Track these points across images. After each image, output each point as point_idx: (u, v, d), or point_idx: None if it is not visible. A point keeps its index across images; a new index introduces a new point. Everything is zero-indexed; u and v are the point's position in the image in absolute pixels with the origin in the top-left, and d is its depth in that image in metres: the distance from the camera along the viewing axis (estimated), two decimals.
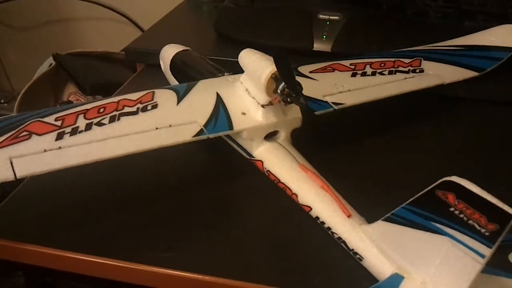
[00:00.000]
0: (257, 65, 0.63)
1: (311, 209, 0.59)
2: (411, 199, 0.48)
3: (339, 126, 0.75)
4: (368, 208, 0.56)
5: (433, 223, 0.47)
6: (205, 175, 0.70)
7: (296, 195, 0.60)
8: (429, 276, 0.48)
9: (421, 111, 0.82)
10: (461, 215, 0.44)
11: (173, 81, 0.79)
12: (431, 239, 0.47)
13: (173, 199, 0.65)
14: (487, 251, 0.43)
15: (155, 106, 0.63)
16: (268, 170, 0.64)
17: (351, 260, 0.55)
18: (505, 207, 0.41)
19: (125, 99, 0.64)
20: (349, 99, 0.71)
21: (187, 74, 0.76)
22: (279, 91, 0.61)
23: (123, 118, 0.61)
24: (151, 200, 0.64)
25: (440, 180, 0.45)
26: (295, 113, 0.65)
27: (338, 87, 0.72)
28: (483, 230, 0.43)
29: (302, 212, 0.60)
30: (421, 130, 0.78)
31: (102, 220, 0.61)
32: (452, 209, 0.45)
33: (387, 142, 0.75)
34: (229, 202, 0.65)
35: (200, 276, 0.55)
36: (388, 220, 0.51)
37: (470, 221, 0.44)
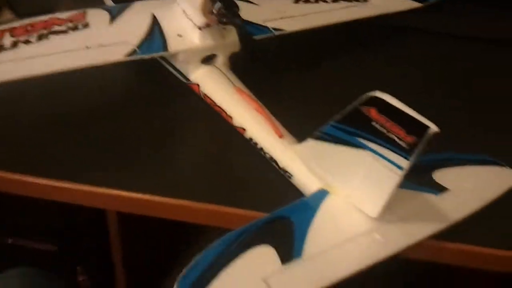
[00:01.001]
0: None
1: (245, 130, 0.59)
2: (337, 115, 0.49)
3: (282, 52, 0.75)
4: (306, 129, 0.56)
5: (357, 138, 0.48)
6: (141, 98, 0.68)
7: (231, 118, 0.61)
8: (352, 190, 0.50)
9: (365, 41, 0.82)
10: (382, 129, 0.45)
11: (110, 4, 0.76)
12: (355, 154, 0.48)
13: (111, 122, 0.64)
14: (405, 163, 0.45)
15: (86, 26, 0.61)
16: (204, 94, 0.64)
17: (281, 178, 0.56)
18: (422, 119, 0.43)
19: (55, 18, 0.62)
20: (290, 26, 0.70)
21: None
22: (215, 11, 0.59)
23: (52, 37, 0.59)
24: (90, 123, 0.63)
25: (364, 96, 0.46)
26: (233, 36, 0.64)
27: (280, 12, 0.71)
28: (401, 143, 0.44)
29: (237, 134, 0.60)
30: (362, 59, 0.79)
31: (43, 142, 0.61)
32: (373, 123, 0.46)
33: (328, 70, 0.76)
34: (165, 124, 0.65)
35: (139, 195, 0.56)
36: (316, 138, 0.52)
37: (390, 134, 0.45)
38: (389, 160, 0.46)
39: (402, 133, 0.44)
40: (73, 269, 0.85)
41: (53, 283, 0.77)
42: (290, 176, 0.55)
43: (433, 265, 0.55)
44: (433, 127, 0.42)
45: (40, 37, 0.59)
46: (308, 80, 0.73)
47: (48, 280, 0.77)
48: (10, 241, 0.85)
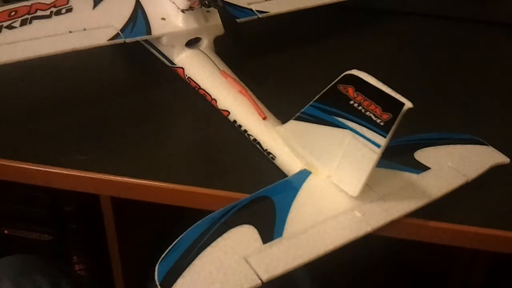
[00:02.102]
0: None
1: (229, 113, 0.59)
2: (318, 95, 0.49)
3: (266, 35, 0.75)
4: (290, 110, 0.56)
5: (336, 117, 0.48)
6: (127, 82, 0.69)
7: (216, 101, 0.61)
8: (333, 169, 0.51)
9: (346, 24, 0.82)
10: (360, 107, 0.45)
11: None
12: (335, 134, 0.49)
13: (94, 105, 0.64)
14: (382, 141, 0.45)
15: (69, 10, 0.61)
16: (189, 77, 0.64)
17: (265, 159, 0.56)
18: (397, 96, 0.43)
19: (38, 2, 0.62)
20: (275, 8, 0.70)
21: None
22: None
23: (35, 22, 0.59)
24: (71, 106, 0.64)
25: (342, 74, 0.46)
26: (217, 19, 0.64)
27: None
28: (378, 121, 0.45)
29: (221, 117, 0.60)
30: (345, 42, 0.79)
31: (19, 125, 0.61)
32: (351, 102, 0.46)
33: (313, 52, 0.76)
34: (150, 108, 0.65)
35: (132, 180, 0.56)
36: (298, 119, 0.52)
37: (367, 113, 0.45)
38: (367, 138, 0.46)
39: (378, 110, 0.44)
40: (68, 258, 0.86)
41: (48, 271, 0.77)
42: (273, 157, 0.56)
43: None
44: (408, 103, 0.42)
45: (23, 22, 0.59)
46: (294, 61, 0.74)
47: (44, 267, 0.77)
48: (6, 231, 0.86)
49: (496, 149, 0.58)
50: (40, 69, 0.63)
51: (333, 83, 0.47)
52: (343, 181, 0.50)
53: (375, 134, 0.45)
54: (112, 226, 0.69)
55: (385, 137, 0.45)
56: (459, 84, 0.74)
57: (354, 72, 0.45)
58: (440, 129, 0.60)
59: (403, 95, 0.44)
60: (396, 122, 0.43)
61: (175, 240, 0.46)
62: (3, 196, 0.82)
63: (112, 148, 0.59)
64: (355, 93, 0.45)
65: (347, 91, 0.46)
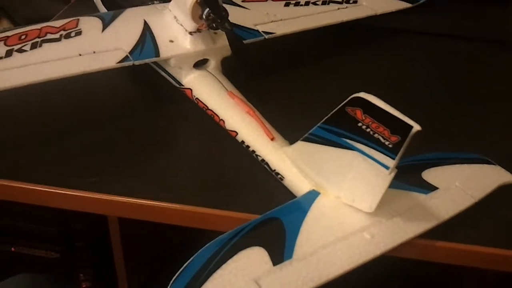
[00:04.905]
0: None
1: (237, 134, 0.60)
2: (326, 117, 0.50)
3: (272, 55, 0.76)
4: (297, 131, 0.56)
5: (344, 139, 0.48)
6: (135, 103, 0.70)
7: (224, 121, 0.61)
8: (342, 190, 0.51)
9: (351, 43, 0.83)
10: (368, 130, 0.46)
11: (104, 11, 0.77)
12: (344, 155, 0.49)
13: (103, 126, 0.65)
14: (391, 163, 0.45)
15: (79, 33, 0.62)
16: (197, 98, 0.65)
17: (273, 180, 0.57)
18: (406, 119, 0.43)
19: (48, 26, 0.63)
20: (281, 29, 0.71)
21: (117, 3, 0.74)
22: (204, 16, 0.60)
23: (45, 45, 0.60)
24: (80, 128, 0.64)
25: (350, 97, 0.47)
26: (224, 41, 0.65)
27: (270, 16, 0.72)
28: (387, 143, 0.45)
29: (229, 137, 0.61)
30: (351, 60, 0.79)
31: (28, 148, 0.61)
32: (360, 124, 0.46)
33: (318, 71, 0.76)
34: (158, 129, 0.65)
35: (125, 199, 0.56)
36: (306, 140, 0.53)
37: (376, 135, 0.46)
38: (376, 160, 0.46)
39: (386, 133, 0.45)
40: (75, 276, 0.86)
41: None
42: (282, 178, 0.56)
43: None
44: (416, 126, 0.43)
45: (34, 46, 0.60)
46: (300, 80, 0.74)
47: (51, 286, 0.77)
48: (12, 249, 0.86)
49: (504, 168, 0.58)
50: (50, 92, 0.63)
51: (341, 105, 0.47)
52: (356, 200, 0.50)
53: (383, 156, 0.46)
54: (119, 245, 0.69)
55: (393, 159, 0.45)
56: (464, 101, 0.75)
57: (362, 94, 0.46)
58: (447, 148, 0.61)
59: (409, 114, 0.44)
60: (405, 144, 0.44)
61: (182, 259, 0.46)
62: (10, 213, 0.82)
63: (121, 169, 0.59)
64: (363, 116, 0.46)
65: (355, 114, 0.46)
